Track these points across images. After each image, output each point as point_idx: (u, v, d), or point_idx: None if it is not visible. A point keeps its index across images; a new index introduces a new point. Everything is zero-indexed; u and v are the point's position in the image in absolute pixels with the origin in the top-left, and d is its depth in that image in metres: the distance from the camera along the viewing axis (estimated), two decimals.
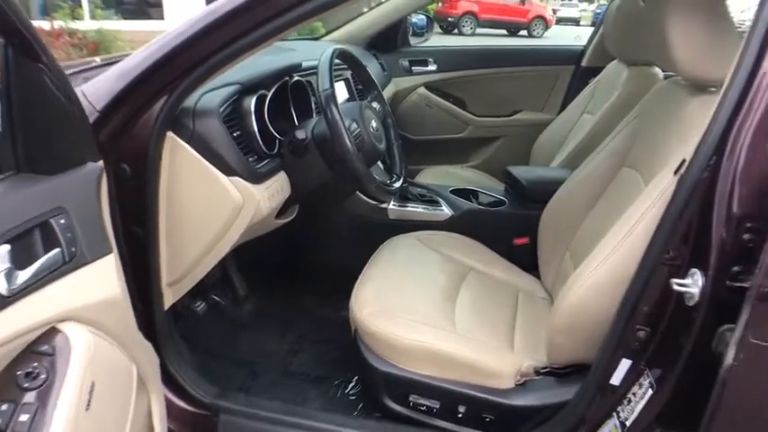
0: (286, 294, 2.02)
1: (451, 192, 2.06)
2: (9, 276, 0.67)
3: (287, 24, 1.06)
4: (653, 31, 1.24)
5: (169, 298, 1.28)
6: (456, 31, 16.23)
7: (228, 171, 1.23)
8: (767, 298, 0.81)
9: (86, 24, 7.22)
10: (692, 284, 0.90)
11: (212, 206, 1.23)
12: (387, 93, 2.50)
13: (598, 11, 18.67)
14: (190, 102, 1.20)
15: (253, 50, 1.10)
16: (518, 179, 2.00)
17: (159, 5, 8.61)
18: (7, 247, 0.67)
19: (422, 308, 1.41)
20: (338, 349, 1.74)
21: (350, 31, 2.63)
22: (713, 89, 1.20)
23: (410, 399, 1.31)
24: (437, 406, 1.30)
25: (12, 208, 0.73)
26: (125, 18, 8.42)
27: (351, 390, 1.61)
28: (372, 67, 2.28)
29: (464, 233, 1.84)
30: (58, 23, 6.91)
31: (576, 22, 22.49)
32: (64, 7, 7.06)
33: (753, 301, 0.81)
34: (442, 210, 1.96)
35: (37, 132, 0.78)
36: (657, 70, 2.06)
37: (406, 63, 2.80)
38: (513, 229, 1.91)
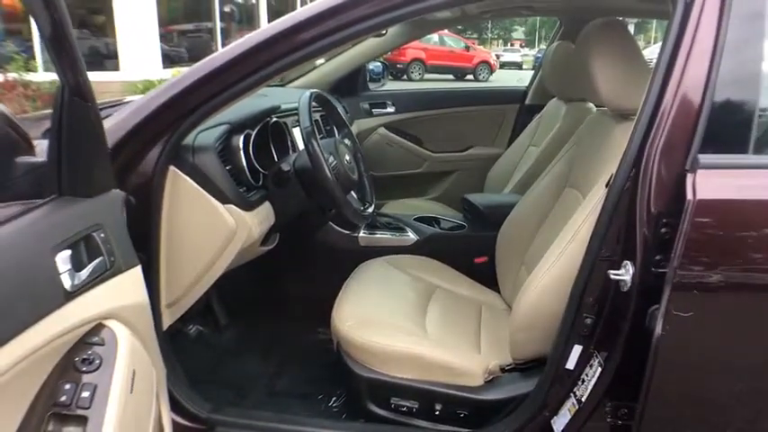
0: (266, 322, 2.13)
1: (415, 219, 2.24)
2: (71, 276, 0.80)
3: (272, 74, 1.24)
4: (583, 72, 1.44)
5: (167, 318, 1.39)
6: (405, 77, 16.80)
7: (224, 199, 1.38)
8: (682, 278, 1.01)
9: (40, 76, 7.21)
10: (625, 273, 1.09)
11: (209, 231, 1.37)
12: None
13: (538, 55, 19.68)
14: (188, 139, 1.34)
15: (243, 96, 1.27)
16: (475, 205, 2.21)
17: (115, 57, 8.68)
18: (69, 251, 0.81)
19: (397, 319, 1.55)
20: (319, 369, 1.85)
21: (315, 77, 2.83)
22: (633, 117, 1.42)
23: (392, 401, 1.44)
24: (416, 406, 1.43)
25: (62, 223, 0.85)
26: None
27: (334, 403, 1.72)
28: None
29: (429, 255, 2.01)
30: (11, 75, 6.89)
31: (518, 66, 23.71)
32: (17, 59, 7.04)
33: (672, 281, 1.01)
34: (408, 235, 2.13)
35: (79, 162, 0.91)
36: (591, 105, 2.32)
37: (366, 106, 3.02)
38: (472, 249, 2.09)
